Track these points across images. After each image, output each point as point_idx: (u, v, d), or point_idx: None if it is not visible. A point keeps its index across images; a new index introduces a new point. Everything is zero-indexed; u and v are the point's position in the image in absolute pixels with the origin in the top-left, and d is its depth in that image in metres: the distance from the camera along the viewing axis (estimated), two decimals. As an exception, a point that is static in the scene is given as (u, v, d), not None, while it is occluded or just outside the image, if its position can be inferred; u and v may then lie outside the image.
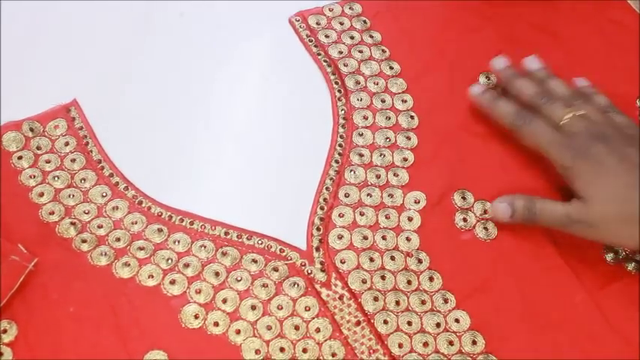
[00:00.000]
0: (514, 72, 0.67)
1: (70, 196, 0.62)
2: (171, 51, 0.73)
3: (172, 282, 0.58)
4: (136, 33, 0.73)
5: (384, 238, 0.62)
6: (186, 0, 0.75)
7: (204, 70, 0.72)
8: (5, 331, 0.55)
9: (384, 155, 0.66)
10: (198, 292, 0.58)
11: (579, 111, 0.62)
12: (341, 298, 0.59)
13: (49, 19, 0.73)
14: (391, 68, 0.72)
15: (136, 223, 0.61)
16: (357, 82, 0.70)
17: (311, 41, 0.73)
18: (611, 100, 0.65)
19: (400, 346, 0.57)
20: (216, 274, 0.59)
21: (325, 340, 0.57)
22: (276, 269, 0.59)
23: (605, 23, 0.76)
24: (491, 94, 0.66)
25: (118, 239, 0.60)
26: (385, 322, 0.58)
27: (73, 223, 0.60)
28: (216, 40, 0.74)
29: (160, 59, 0.72)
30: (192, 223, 0.61)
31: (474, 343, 0.58)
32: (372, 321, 0.58)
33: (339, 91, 0.70)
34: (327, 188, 0.64)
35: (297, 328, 0.57)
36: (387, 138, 0.67)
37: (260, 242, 0.61)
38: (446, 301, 0.59)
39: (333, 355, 0.56)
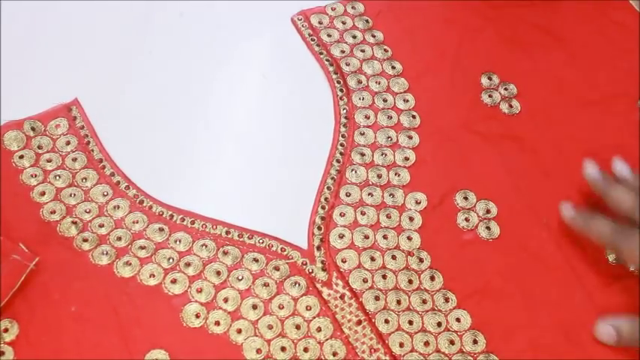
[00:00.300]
0: (608, 180, 0.63)
1: (71, 195, 0.62)
2: (172, 51, 0.73)
3: (173, 281, 0.59)
4: (136, 33, 0.74)
5: (385, 237, 0.62)
6: (186, 0, 0.76)
7: (205, 70, 0.72)
8: (7, 330, 0.56)
9: (386, 154, 0.66)
10: (200, 291, 0.59)
11: None
12: (342, 297, 0.59)
13: (49, 19, 0.74)
14: (393, 68, 0.72)
15: (137, 222, 0.61)
16: (359, 82, 0.71)
17: (313, 40, 0.74)
18: None
19: (401, 345, 0.58)
20: (218, 273, 0.59)
21: (326, 340, 0.57)
22: (277, 268, 0.60)
23: (607, 24, 0.77)
24: (584, 214, 0.62)
25: (119, 238, 0.60)
26: (386, 321, 0.58)
27: (74, 223, 0.61)
28: (217, 40, 0.74)
29: (160, 59, 0.72)
30: (193, 223, 0.62)
31: (475, 342, 0.58)
32: (373, 320, 0.58)
33: (341, 90, 0.70)
34: (328, 187, 0.64)
35: (298, 327, 0.58)
36: (388, 137, 0.67)
37: (261, 241, 0.61)
38: (447, 300, 0.60)
39: (334, 354, 0.57)
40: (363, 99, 0.70)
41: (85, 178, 0.63)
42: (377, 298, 0.59)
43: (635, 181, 0.62)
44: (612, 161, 0.63)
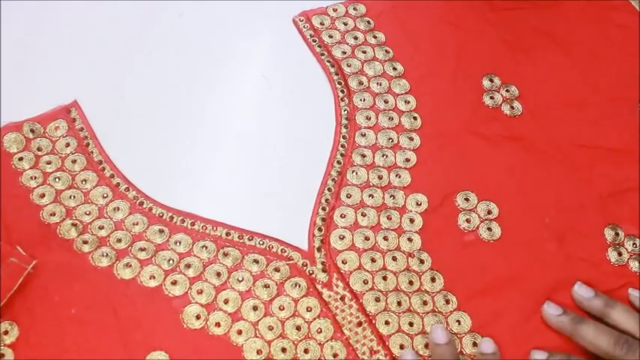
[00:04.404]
0: (606, 301, 0.61)
1: (71, 197, 0.64)
2: (172, 51, 0.75)
3: (174, 283, 0.60)
4: (136, 33, 0.75)
5: (385, 238, 0.64)
6: (186, 0, 0.78)
7: (206, 70, 0.74)
8: (7, 332, 0.57)
9: (387, 156, 0.68)
10: (200, 292, 0.60)
11: None
12: (342, 298, 0.61)
13: (49, 19, 0.75)
14: (394, 69, 0.74)
15: (137, 224, 0.63)
16: (361, 83, 0.73)
17: (315, 41, 0.75)
18: None
19: (401, 347, 0.59)
20: (218, 274, 0.61)
21: (327, 341, 0.59)
22: (277, 270, 0.62)
23: (609, 26, 0.78)
24: (573, 317, 0.60)
25: (119, 240, 0.62)
26: (386, 322, 0.60)
27: (74, 224, 0.62)
28: (217, 40, 0.76)
29: (160, 59, 0.74)
30: (193, 224, 0.63)
31: (475, 344, 0.60)
32: (373, 322, 0.60)
33: (342, 91, 0.72)
34: (329, 189, 0.66)
35: (298, 328, 0.59)
36: (389, 138, 0.69)
37: (261, 242, 0.63)
38: (447, 302, 0.61)
39: (335, 355, 0.59)
40: (364, 100, 0.71)
41: (85, 180, 0.65)
42: (377, 300, 0.61)
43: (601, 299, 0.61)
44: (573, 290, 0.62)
